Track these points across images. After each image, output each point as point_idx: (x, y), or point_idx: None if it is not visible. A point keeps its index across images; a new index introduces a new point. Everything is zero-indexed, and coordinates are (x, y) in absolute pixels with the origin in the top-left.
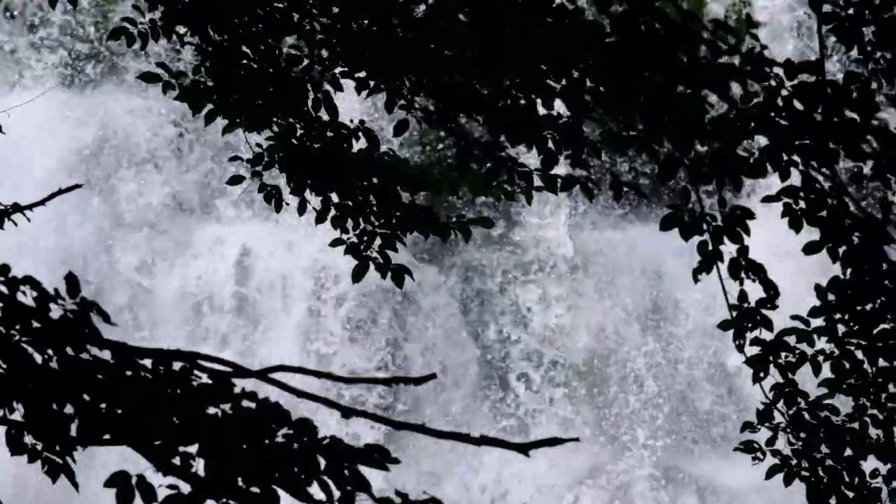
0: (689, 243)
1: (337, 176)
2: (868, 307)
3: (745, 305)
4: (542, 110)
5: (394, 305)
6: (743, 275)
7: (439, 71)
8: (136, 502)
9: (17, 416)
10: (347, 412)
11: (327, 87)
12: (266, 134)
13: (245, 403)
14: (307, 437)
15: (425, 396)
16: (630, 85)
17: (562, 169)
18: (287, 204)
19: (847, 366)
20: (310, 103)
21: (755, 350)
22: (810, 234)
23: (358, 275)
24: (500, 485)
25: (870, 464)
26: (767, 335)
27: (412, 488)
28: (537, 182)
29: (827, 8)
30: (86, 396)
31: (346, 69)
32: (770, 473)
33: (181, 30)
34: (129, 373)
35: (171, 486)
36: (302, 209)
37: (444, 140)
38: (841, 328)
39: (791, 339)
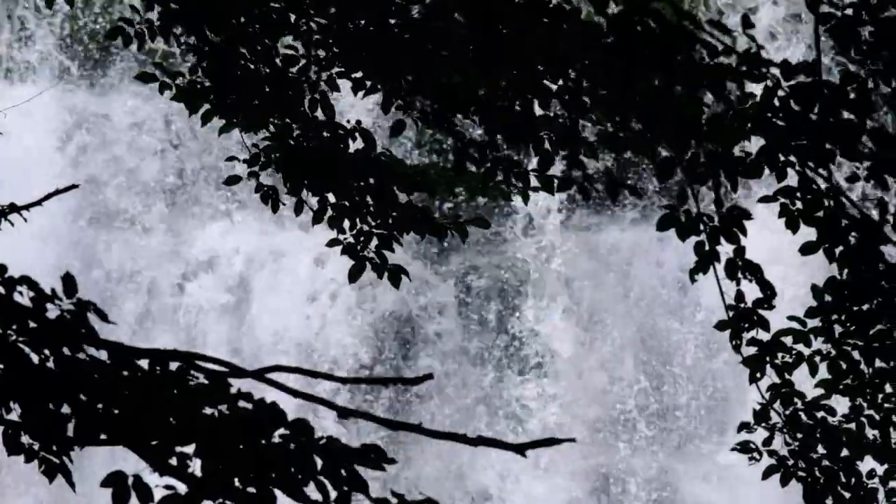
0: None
1: (333, 176)
2: (865, 308)
3: (742, 306)
4: (538, 111)
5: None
6: (740, 275)
7: (437, 71)
8: (133, 502)
9: (13, 416)
10: (344, 412)
11: (324, 87)
12: (263, 134)
13: (241, 404)
14: (304, 438)
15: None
16: (627, 85)
17: (559, 170)
18: (284, 204)
19: (844, 366)
20: (306, 104)
21: (752, 350)
22: (807, 234)
23: (354, 275)
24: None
25: (866, 464)
26: (764, 335)
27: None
28: (534, 182)
29: (824, 8)
30: (83, 396)
31: (342, 69)
32: (767, 474)
33: (178, 30)
34: (125, 373)
35: (167, 487)
36: (299, 209)
37: (442, 141)
38: (838, 329)
39: (788, 340)
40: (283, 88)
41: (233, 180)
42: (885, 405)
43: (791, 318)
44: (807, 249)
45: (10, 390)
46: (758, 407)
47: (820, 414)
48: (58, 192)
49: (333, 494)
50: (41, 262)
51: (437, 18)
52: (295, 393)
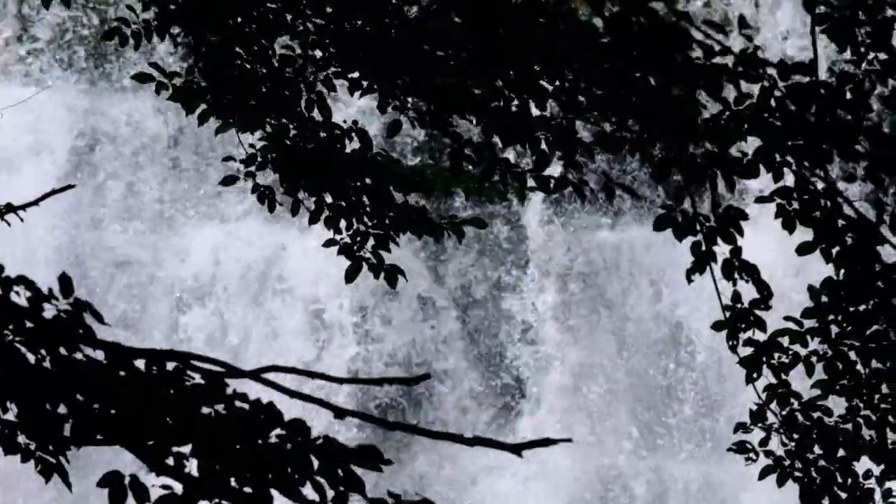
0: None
1: (330, 176)
2: (861, 308)
3: (739, 306)
4: (535, 111)
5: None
6: (736, 275)
7: (433, 71)
8: (129, 502)
9: (10, 415)
10: (340, 412)
11: (320, 87)
12: (259, 134)
13: (238, 404)
14: (300, 438)
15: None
16: (624, 85)
17: (555, 170)
18: (280, 204)
19: (840, 367)
20: (303, 104)
21: (748, 351)
22: (804, 234)
23: (351, 275)
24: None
25: (863, 464)
26: (761, 336)
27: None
28: (530, 183)
29: (820, 9)
30: (79, 396)
31: (339, 69)
32: (763, 474)
33: (175, 30)
34: (122, 373)
35: (164, 487)
36: (295, 210)
37: (438, 141)
38: (834, 329)
39: (784, 340)
40: (280, 88)
41: (229, 180)
42: (882, 406)
43: (787, 318)
44: (803, 250)
45: (7, 390)
46: (754, 407)
47: (816, 414)
48: (54, 191)
49: (330, 494)
50: (37, 262)
51: (434, 19)
52: (291, 393)
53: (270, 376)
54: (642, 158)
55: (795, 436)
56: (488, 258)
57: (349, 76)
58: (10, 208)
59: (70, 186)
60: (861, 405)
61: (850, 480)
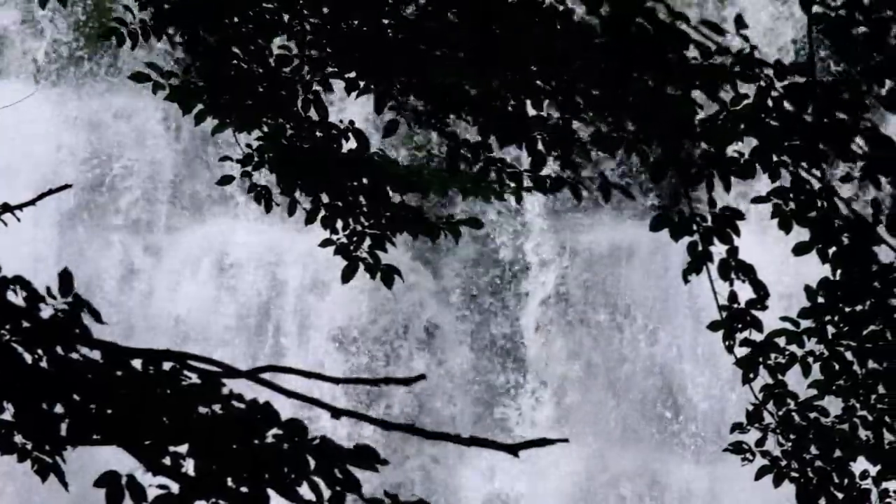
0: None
1: (326, 176)
2: (858, 308)
3: (735, 306)
4: (531, 111)
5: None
6: (733, 275)
7: (431, 71)
8: (126, 502)
9: (7, 415)
10: (337, 412)
11: (317, 87)
12: (256, 134)
13: (235, 403)
14: (297, 438)
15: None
16: (621, 85)
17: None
18: (277, 204)
19: (837, 367)
20: (300, 104)
21: (745, 351)
22: (800, 234)
23: (347, 275)
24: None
25: (859, 465)
26: (757, 336)
27: None
28: (527, 183)
29: (817, 9)
30: (76, 396)
31: (336, 69)
32: (760, 474)
33: (172, 30)
34: (119, 373)
35: (161, 486)
36: (292, 209)
37: (435, 141)
38: (831, 329)
39: (781, 341)
40: (277, 88)
41: (226, 180)
42: (878, 406)
43: (784, 318)
44: (800, 250)
45: (4, 390)
46: (751, 407)
47: (813, 415)
48: (51, 191)
49: (327, 494)
50: (34, 262)
51: (431, 19)
52: (287, 393)
53: (267, 376)
54: (639, 158)
55: (792, 436)
56: (486, 360)
57: (346, 76)
58: (6, 208)
59: (66, 186)
60: (857, 405)
61: (846, 481)
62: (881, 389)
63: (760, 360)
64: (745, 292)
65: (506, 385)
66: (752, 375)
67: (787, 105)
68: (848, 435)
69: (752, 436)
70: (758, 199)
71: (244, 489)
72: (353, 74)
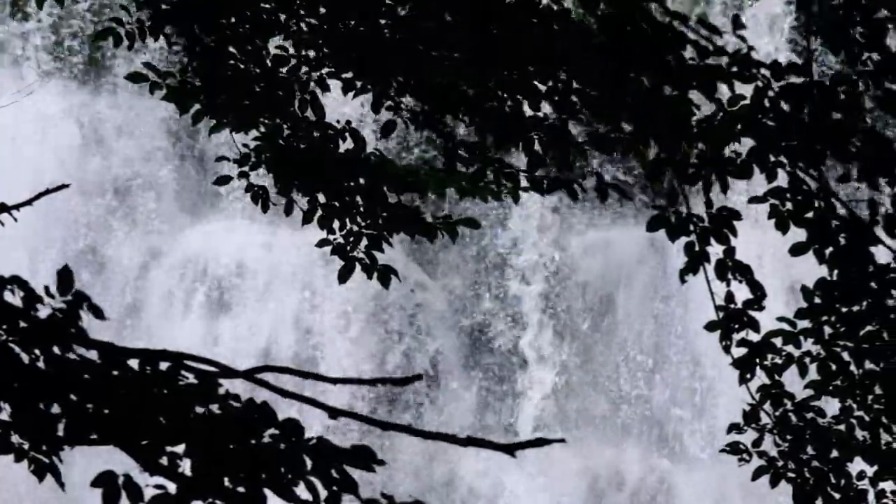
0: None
1: (323, 176)
2: (854, 309)
3: (732, 306)
4: (528, 111)
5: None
6: (730, 276)
7: (430, 71)
8: (123, 502)
9: (4, 415)
10: (334, 412)
11: (314, 87)
12: (253, 134)
13: (232, 403)
14: (294, 438)
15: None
16: (619, 86)
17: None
18: (274, 204)
19: (833, 368)
20: (296, 104)
21: (742, 351)
22: (796, 235)
23: (344, 276)
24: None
25: (856, 465)
26: (754, 336)
27: None
28: (524, 183)
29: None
30: (73, 396)
31: (332, 69)
32: (756, 475)
33: (169, 30)
34: (116, 373)
35: (157, 486)
36: (289, 209)
37: (432, 141)
38: (827, 330)
39: (777, 341)
40: (274, 88)
41: (223, 180)
42: (875, 406)
43: (781, 319)
44: (797, 250)
45: (1, 390)
46: (748, 408)
47: (810, 415)
48: (48, 191)
49: (324, 494)
50: (31, 262)
51: (428, 19)
52: (284, 393)
53: (264, 376)
54: (637, 159)
55: (789, 436)
56: None
57: (343, 76)
58: (3, 208)
59: (64, 186)
60: (854, 406)
61: (843, 481)
62: (878, 390)
63: (757, 360)
64: (742, 293)
65: None
66: (748, 376)
67: (784, 105)
68: (845, 435)
69: (748, 436)
70: (755, 200)
71: (241, 489)
72: (349, 74)
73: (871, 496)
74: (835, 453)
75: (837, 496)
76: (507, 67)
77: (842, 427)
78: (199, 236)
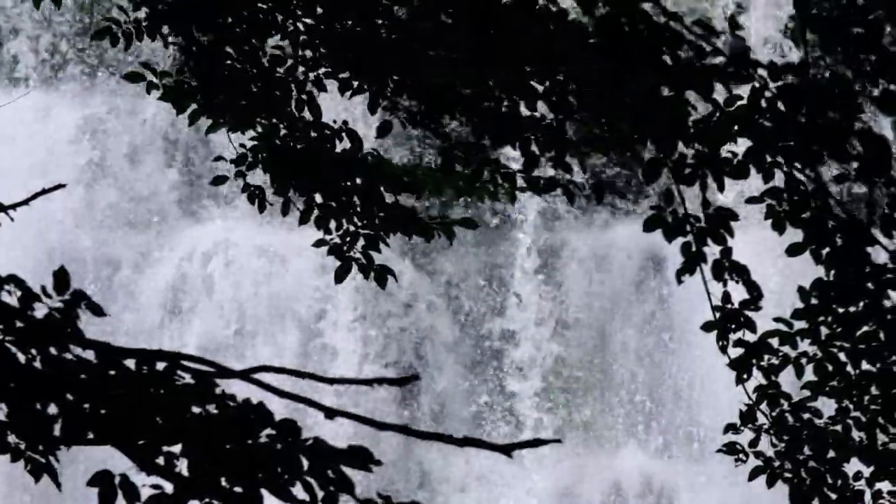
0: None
1: (320, 176)
2: (851, 309)
3: (729, 307)
4: (525, 112)
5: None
6: (726, 276)
7: (427, 71)
8: (120, 502)
9: (0, 415)
10: (331, 413)
11: (311, 87)
12: (250, 134)
13: (229, 403)
14: (291, 438)
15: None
16: (617, 86)
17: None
18: (271, 204)
19: (830, 368)
20: (293, 104)
21: (738, 352)
22: (793, 235)
23: (340, 276)
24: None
25: (853, 466)
26: (751, 337)
27: None
28: (521, 183)
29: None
30: (69, 396)
31: (329, 69)
32: (753, 475)
33: (166, 30)
34: (112, 373)
35: (154, 486)
36: (285, 209)
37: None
38: (824, 330)
39: (774, 341)
40: (271, 88)
41: (219, 180)
42: (872, 407)
43: (777, 319)
44: (793, 251)
45: None
46: (744, 408)
47: (806, 415)
48: (45, 191)
49: (320, 494)
50: (27, 261)
51: (425, 19)
52: (281, 393)
53: (261, 376)
54: (634, 159)
55: (785, 437)
56: None
57: (340, 76)
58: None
59: (60, 186)
60: (851, 406)
61: (839, 481)
62: (874, 391)
63: (754, 360)
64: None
65: None
66: (745, 376)
67: (780, 106)
68: (841, 436)
69: (745, 436)
70: (752, 200)
71: (238, 489)
72: (346, 75)
73: (867, 497)
74: (831, 454)
75: (834, 497)
76: (504, 68)
77: (838, 427)
78: (197, 236)
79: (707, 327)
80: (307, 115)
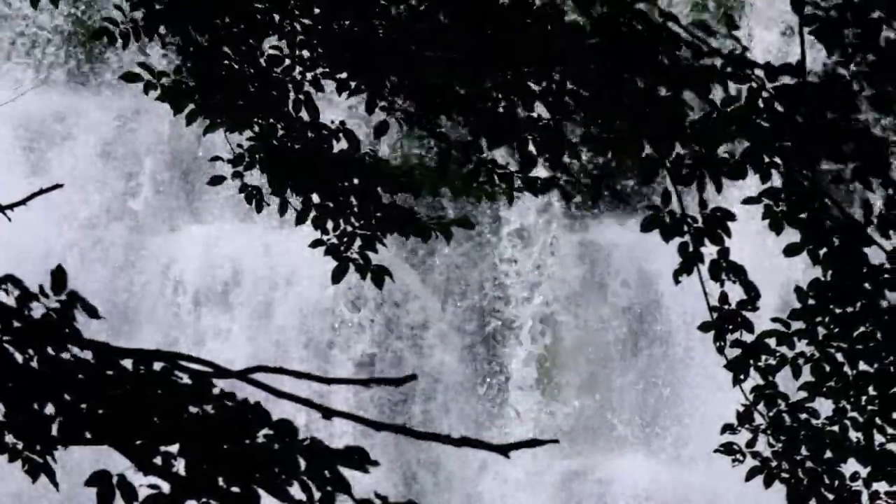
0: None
1: (317, 176)
2: (848, 310)
3: (726, 307)
4: (522, 112)
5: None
6: (724, 276)
7: (424, 72)
8: (117, 502)
9: None
10: (328, 413)
11: (308, 87)
12: (248, 134)
13: (227, 403)
14: (288, 438)
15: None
16: (615, 86)
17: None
18: (268, 204)
19: (827, 369)
20: (290, 104)
21: (736, 352)
22: (790, 236)
23: (337, 276)
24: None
25: (850, 466)
26: (748, 337)
27: None
28: (518, 184)
29: (808, 10)
30: (67, 396)
31: (327, 70)
32: (750, 475)
33: (163, 30)
34: (110, 373)
35: (151, 486)
36: (283, 210)
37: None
38: (821, 331)
39: (771, 342)
40: (268, 88)
41: (217, 180)
42: (869, 407)
43: (774, 319)
44: (791, 251)
45: None
46: (741, 408)
47: (803, 416)
48: (42, 191)
49: (317, 495)
50: (24, 261)
51: (422, 19)
52: (278, 393)
53: (258, 376)
54: (630, 159)
55: (783, 437)
56: None
57: (337, 76)
58: None
59: (58, 186)
60: (848, 407)
61: (837, 482)
62: (872, 391)
63: (751, 361)
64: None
65: None
66: (742, 377)
67: (777, 106)
68: (838, 436)
69: (742, 436)
70: (749, 200)
71: (235, 489)
72: (344, 75)
73: (864, 497)
74: (829, 454)
75: (831, 497)
76: (501, 68)
77: (836, 428)
78: (196, 236)
79: (704, 328)
80: (304, 115)
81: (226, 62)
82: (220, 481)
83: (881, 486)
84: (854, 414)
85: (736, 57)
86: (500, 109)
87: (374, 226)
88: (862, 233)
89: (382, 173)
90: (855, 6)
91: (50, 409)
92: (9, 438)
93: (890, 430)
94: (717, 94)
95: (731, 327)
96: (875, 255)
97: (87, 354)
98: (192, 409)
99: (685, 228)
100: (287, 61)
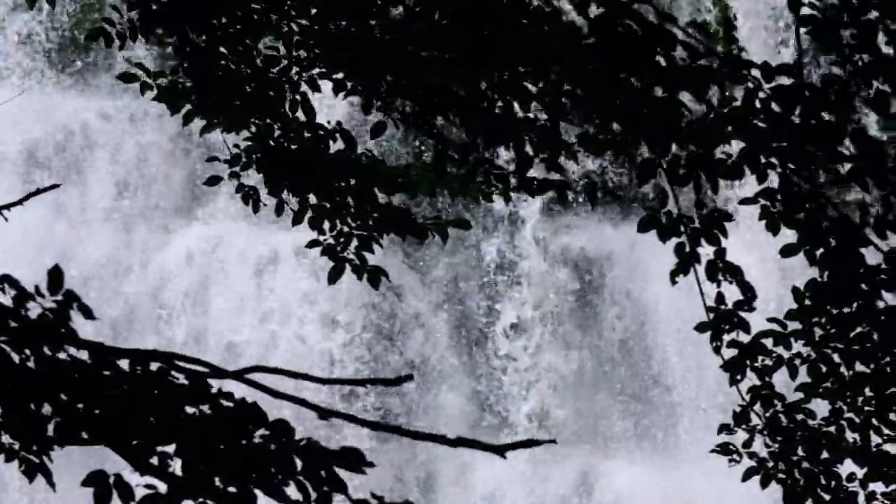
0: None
1: (313, 176)
2: (845, 310)
3: (723, 308)
4: (519, 112)
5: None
6: (720, 277)
7: (421, 72)
8: (114, 502)
9: None
10: (325, 413)
11: (305, 88)
12: (244, 134)
13: (223, 403)
14: (284, 438)
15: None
16: (612, 87)
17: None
18: (265, 204)
19: (824, 369)
20: (287, 104)
21: (732, 352)
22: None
23: (334, 277)
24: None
25: (846, 467)
26: (745, 337)
27: None
28: (514, 184)
29: (805, 11)
30: (63, 396)
31: (323, 70)
32: (747, 475)
33: (160, 30)
34: (106, 373)
35: (148, 486)
36: (279, 210)
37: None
38: (818, 331)
39: (768, 342)
40: (265, 89)
41: (213, 181)
42: (865, 408)
43: (771, 320)
44: (787, 251)
45: None
46: (738, 409)
47: (800, 416)
48: (39, 191)
49: (314, 495)
50: (21, 261)
51: (419, 20)
52: (274, 393)
53: (255, 377)
54: (627, 160)
55: (779, 438)
56: None
57: (334, 77)
58: None
59: (55, 186)
60: (845, 407)
61: (833, 482)
62: (868, 392)
63: (748, 361)
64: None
65: None
66: (739, 377)
67: (774, 106)
68: (835, 437)
69: (739, 437)
70: (746, 201)
71: (232, 489)
72: (340, 75)
73: (861, 498)
74: (825, 454)
75: (828, 498)
76: (498, 68)
77: (832, 428)
78: (195, 236)
79: (701, 328)
80: (301, 115)
81: (222, 62)
82: (217, 481)
83: (878, 487)
84: (850, 414)
85: (733, 57)
86: (497, 110)
87: (370, 226)
88: (859, 233)
89: (379, 174)
90: (851, 7)
91: (46, 409)
92: (5, 438)
93: (886, 431)
94: (713, 94)
95: (727, 328)
96: (872, 256)
97: (84, 354)
98: (189, 410)
99: (682, 229)
100: (284, 62)
